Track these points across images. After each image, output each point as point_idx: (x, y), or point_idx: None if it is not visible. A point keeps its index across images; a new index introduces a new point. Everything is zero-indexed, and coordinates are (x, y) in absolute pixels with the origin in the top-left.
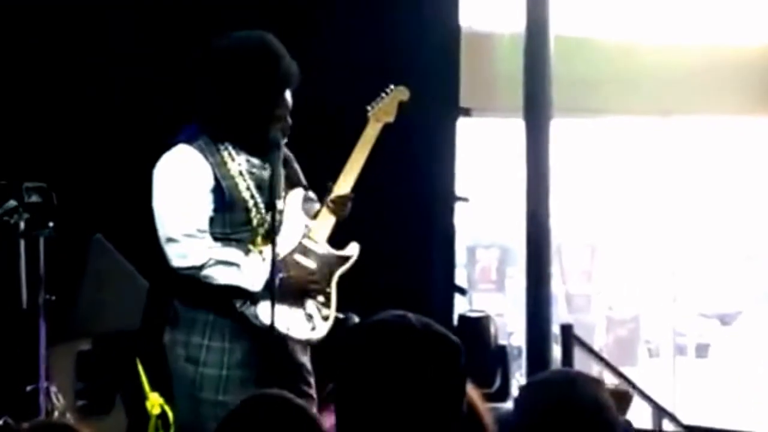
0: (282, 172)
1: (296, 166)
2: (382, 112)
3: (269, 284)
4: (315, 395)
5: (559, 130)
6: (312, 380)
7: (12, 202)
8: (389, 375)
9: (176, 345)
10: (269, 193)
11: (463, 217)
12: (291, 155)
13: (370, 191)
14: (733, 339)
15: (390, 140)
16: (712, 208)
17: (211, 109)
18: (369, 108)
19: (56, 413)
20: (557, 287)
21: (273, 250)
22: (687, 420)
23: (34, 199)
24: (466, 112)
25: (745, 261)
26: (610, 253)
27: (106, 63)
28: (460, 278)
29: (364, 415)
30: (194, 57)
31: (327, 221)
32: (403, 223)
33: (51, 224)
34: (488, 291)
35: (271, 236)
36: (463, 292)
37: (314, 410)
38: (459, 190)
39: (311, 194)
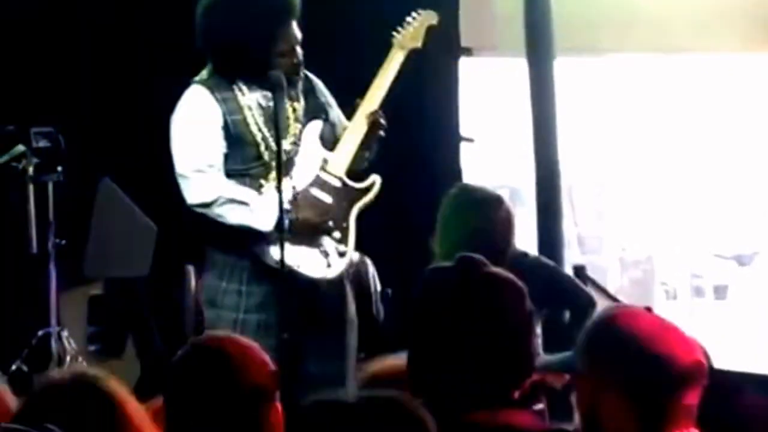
0: (297, 106)
1: (323, 93)
2: (408, 38)
3: (286, 223)
4: (351, 341)
5: (565, 68)
6: (345, 325)
7: (20, 147)
8: (455, 319)
9: (204, 289)
10: (275, 132)
11: (469, 159)
12: (318, 82)
13: None
14: (752, 280)
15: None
16: (723, 146)
17: (216, 45)
18: (394, 33)
19: (68, 357)
20: (569, 229)
21: (279, 192)
22: None
23: (43, 144)
24: (468, 52)
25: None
26: (622, 192)
27: (112, 7)
28: None
29: (433, 356)
30: None
31: (346, 151)
32: (409, 165)
33: (60, 169)
34: None
35: (278, 178)
36: None
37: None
38: (464, 130)
39: (340, 118)
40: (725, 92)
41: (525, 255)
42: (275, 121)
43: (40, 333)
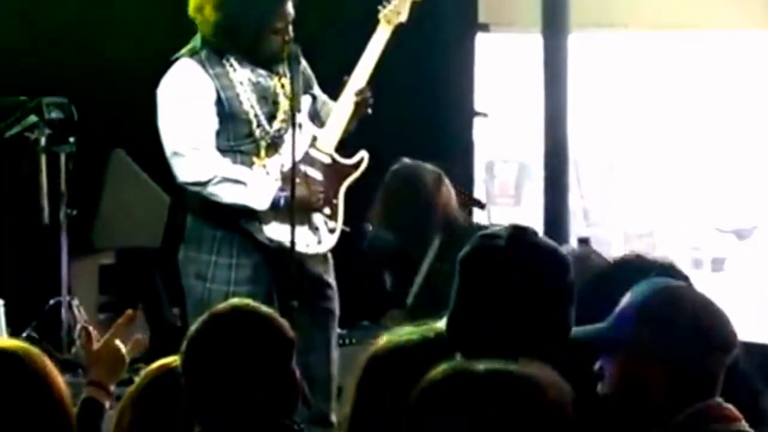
0: (286, 82)
1: (305, 67)
2: (394, 13)
3: (282, 202)
4: (336, 309)
5: (579, 44)
6: (332, 295)
7: (33, 118)
8: (500, 284)
9: (188, 261)
10: (290, 107)
11: (481, 133)
12: (300, 57)
13: (390, 106)
14: (749, 253)
15: (409, 56)
16: (728, 122)
17: (212, 18)
18: (380, 8)
19: (78, 326)
20: (575, 202)
21: (293, 165)
22: None
23: (55, 114)
24: (485, 28)
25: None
26: (627, 167)
27: None
28: (479, 193)
29: (474, 318)
30: None
31: (335, 128)
32: (422, 138)
33: (72, 139)
34: (506, 205)
35: (292, 152)
36: (482, 206)
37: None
38: (478, 105)
39: (324, 96)
40: (733, 69)
41: (471, 225)
42: (291, 94)
43: (51, 302)
